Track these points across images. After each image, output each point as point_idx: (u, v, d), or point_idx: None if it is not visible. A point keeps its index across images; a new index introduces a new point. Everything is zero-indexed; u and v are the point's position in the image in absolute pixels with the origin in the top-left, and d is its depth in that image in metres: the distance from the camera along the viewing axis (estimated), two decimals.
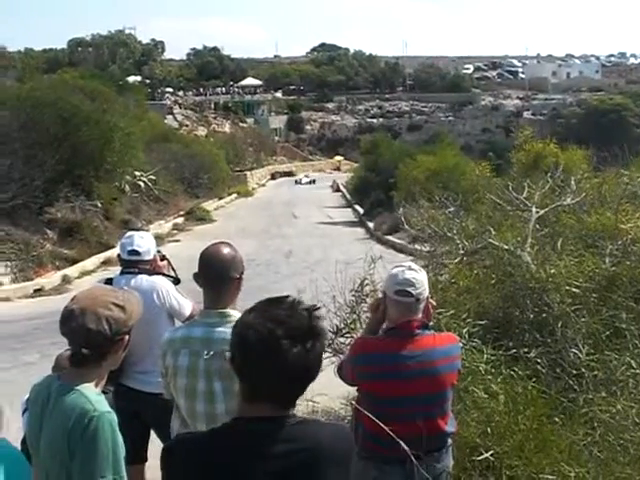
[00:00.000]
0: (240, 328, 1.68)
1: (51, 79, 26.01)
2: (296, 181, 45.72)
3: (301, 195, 34.29)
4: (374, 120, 65.26)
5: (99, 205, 18.19)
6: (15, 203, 14.65)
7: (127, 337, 2.28)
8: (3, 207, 14.23)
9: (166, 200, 24.04)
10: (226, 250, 2.83)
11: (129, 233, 4.15)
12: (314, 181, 45.31)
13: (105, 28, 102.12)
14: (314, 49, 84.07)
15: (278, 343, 1.61)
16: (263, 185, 42.62)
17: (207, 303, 2.85)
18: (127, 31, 67.75)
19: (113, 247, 16.91)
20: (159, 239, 18.45)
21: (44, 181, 16.01)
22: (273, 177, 47.14)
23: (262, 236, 21.13)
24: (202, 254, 2.83)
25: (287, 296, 1.72)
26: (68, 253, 15.52)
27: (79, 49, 64.29)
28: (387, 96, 69.60)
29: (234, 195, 33.14)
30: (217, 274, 2.77)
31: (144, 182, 22.12)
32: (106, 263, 15.73)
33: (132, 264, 3.95)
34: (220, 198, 30.63)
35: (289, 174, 48.53)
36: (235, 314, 2.74)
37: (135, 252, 3.95)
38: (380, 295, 4.07)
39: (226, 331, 2.68)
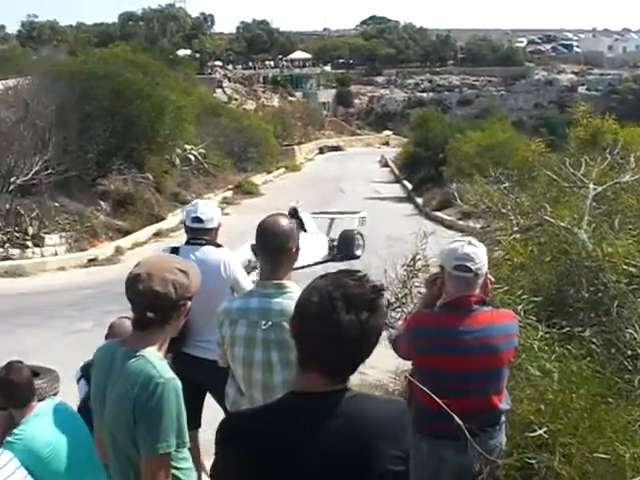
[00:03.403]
0: (306, 290, 1.71)
1: (102, 53, 26.35)
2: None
3: (349, 170, 34.15)
4: (424, 94, 64.17)
5: (150, 178, 18.50)
6: (69, 175, 14.98)
7: (189, 303, 2.32)
8: (58, 179, 14.57)
9: (215, 174, 24.26)
10: (284, 221, 2.84)
11: (194, 201, 4.24)
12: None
13: (155, 2, 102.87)
14: (364, 22, 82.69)
15: (333, 305, 1.61)
16: (311, 159, 42.48)
17: (264, 274, 2.86)
18: (177, 5, 68.23)
19: (164, 219, 17.22)
20: None
21: (97, 154, 16.32)
22: (321, 151, 46.88)
23: (310, 211, 21.13)
24: (260, 225, 2.83)
25: (359, 271, 1.73)
26: (121, 224, 15.88)
27: (130, 23, 64.89)
28: (437, 70, 68.22)
29: (282, 169, 33.19)
30: (275, 245, 2.77)
31: (194, 155, 22.34)
32: (157, 235, 16.05)
33: (197, 232, 3.99)
34: (268, 172, 30.73)
35: (337, 148, 47.79)
36: (291, 285, 2.76)
37: (198, 219, 3.98)
38: (432, 270, 4.07)
39: (282, 302, 2.71)
